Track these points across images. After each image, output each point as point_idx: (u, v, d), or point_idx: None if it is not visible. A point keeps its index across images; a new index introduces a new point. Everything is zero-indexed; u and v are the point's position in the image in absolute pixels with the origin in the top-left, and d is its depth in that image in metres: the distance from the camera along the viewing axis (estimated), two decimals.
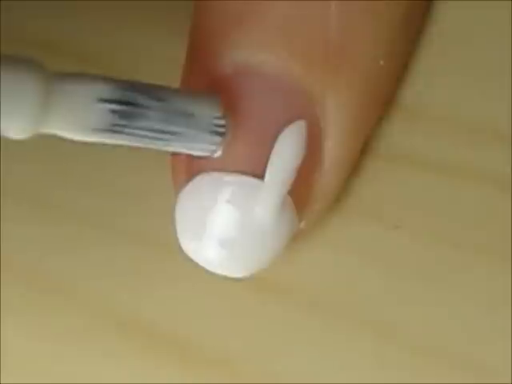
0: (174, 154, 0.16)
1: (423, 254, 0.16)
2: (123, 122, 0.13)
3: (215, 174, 0.15)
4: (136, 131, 0.14)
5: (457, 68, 0.16)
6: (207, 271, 0.15)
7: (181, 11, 0.18)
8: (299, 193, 0.15)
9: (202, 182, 0.15)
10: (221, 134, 0.14)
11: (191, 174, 0.15)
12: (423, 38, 0.17)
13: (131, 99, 0.14)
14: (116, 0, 0.19)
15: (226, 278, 0.15)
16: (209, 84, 0.15)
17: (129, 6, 0.19)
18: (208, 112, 0.14)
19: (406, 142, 0.16)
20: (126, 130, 0.14)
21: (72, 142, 0.19)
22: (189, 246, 0.15)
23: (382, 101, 0.16)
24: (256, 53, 0.15)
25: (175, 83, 0.18)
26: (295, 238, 0.16)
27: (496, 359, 0.15)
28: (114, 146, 0.14)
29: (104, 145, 0.14)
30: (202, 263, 0.15)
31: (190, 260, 0.15)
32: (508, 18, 0.16)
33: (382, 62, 0.15)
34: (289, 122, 0.15)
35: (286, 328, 0.17)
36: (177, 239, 0.16)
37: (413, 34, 0.16)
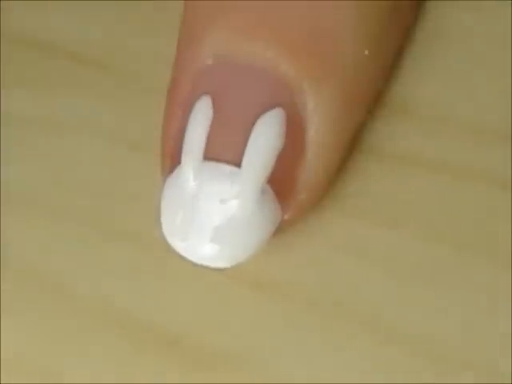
0: (162, 146, 0.16)
1: (423, 253, 0.16)
2: None
3: (195, 163, 0.15)
4: None
5: (457, 68, 0.16)
6: (187, 261, 0.15)
7: (181, 11, 0.18)
8: (282, 183, 0.15)
9: (182, 170, 0.15)
10: None
11: (174, 164, 0.15)
12: (423, 38, 0.17)
13: None
14: (116, 0, 0.19)
15: (207, 268, 0.15)
16: (193, 75, 0.15)
17: (129, 6, 0.19)
18: None
19: (406, 142, 0.16)
20: None
21: (71, 142, 0.19)
22: (170, 235, 0.15)
23: (368, 93, 0.16)
24: (235, 42, 0.15)
25: None
26: (281, 229, 0.16)
27: (496, 359, 0.15)
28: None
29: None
30: (183, 254, 0.15)
31: (173, 252, 0.15)
32: (508, 17, 0.16)
33: (366, 53, 0.15)
34: (268, 109, 0.15)
35: (285, 328, 0.17)
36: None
37: (401, 24, 0.16)
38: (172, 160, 0.16)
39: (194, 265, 0.15)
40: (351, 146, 0.16)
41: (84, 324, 0.18)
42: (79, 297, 0.18)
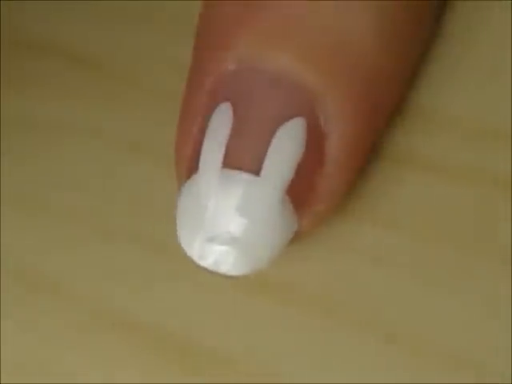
0: (178, 152, 0.16)
1: (423, 254, 0.16)
2: None
3: (213, 172, 0.15)
4: None
5: (457, 69, 0.16)
6: (204, 269, 0.15)
7: (181, 11, 0.18)
8: (300, 192, 0.15)
9: (200, 178, 0.15)
10: None
11: (192, 171, 0.15)
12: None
13: None
14: (116, 0, 0.19)
15: (222, 277, 0.15)
16: (215, 80, 0.15)
17: (129, 6, 0.19)
18: None
19: (406, 142, 0.16)
20: None
21: (71, 143, 0.19)
22: (186, 243, 0.15)
23: (388, 103, 0.16)
24: (258, 50, 0.15)
25: (175, 83, 0.18)
26: (297, 239, 0.16)
27: (496, 359, 0.15)
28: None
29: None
30: (199, 262, 0.15)
31: (189, 260, 0.15)
32: (508, 19, 0.16)
33: (384, 62, 0.15)
34: (289, 118, 0.15)
35: (286, 328, 0.17)
36: (176, 240, 0.16)
37: (419, 34, 0.16)
38: (189, 166, 0.15)
39: (210, 272, 0.15)
40: (369, 154, 0.16)
41: (83, 324, 0.18)
42: (78, 297, 0.18)
